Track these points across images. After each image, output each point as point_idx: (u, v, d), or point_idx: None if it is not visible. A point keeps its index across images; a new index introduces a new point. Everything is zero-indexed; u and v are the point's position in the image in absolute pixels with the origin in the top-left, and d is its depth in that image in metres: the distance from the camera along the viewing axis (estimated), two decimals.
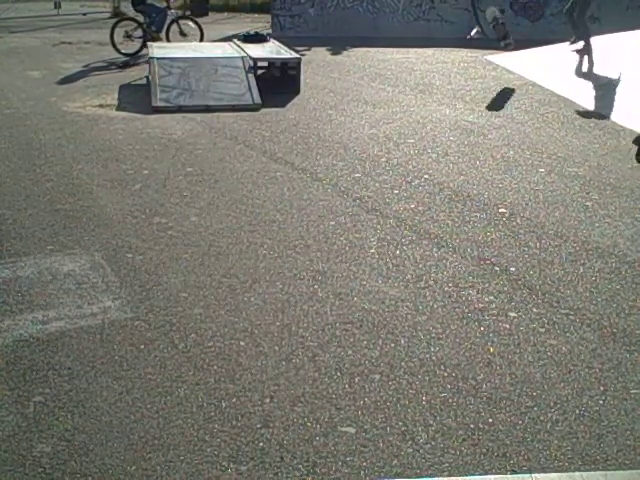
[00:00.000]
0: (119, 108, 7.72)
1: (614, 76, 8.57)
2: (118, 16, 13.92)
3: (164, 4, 11.37)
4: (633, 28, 10.54)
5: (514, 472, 2.41)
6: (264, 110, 7.59)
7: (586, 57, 9.33)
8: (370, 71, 10.02)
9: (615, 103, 7.69)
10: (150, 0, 11.05)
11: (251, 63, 8.45)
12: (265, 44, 9.50)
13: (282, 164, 5.72)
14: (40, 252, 4.05)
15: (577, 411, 2.72)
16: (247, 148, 6.18)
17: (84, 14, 18.40)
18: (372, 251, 4.11)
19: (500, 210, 4.74)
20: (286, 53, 8.92)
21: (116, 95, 8.36)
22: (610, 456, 2.48)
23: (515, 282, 3.75)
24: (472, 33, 9.86)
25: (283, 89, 8.52)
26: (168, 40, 11.12)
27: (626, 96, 8.02)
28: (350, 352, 3.10)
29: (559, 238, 4.30)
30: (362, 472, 2.41)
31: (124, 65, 10.40)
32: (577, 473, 2.40)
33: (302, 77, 8.67)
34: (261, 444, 2.53)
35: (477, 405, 2.75)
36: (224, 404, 2.74)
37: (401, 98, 8.26)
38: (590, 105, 7.64)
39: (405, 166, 5.67)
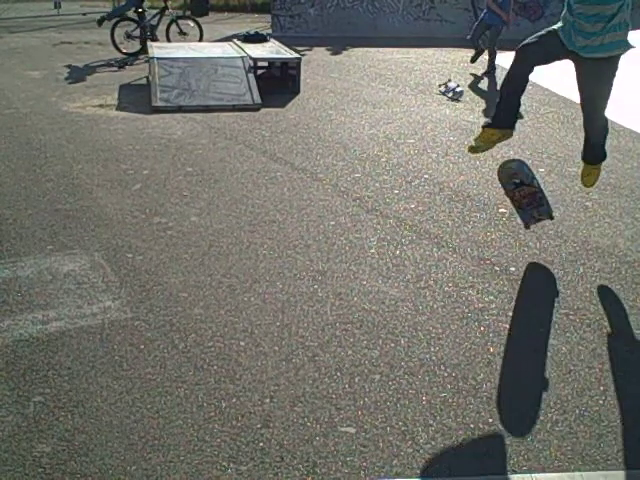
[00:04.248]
0: (119, 108, 7.72)
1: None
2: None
3: (162, 4, 11.39)
4: (633, 28, 10.55)
5: (514, 472, 2.41)
6: (264, 110, 7.59)
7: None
8: (370, 71, 10.02)
9: (615, 103, 7.68)
10: None
11: (251, 63, 8.45)
12: (265, 44, 9.50)
13: (282, 164, 5.72)
14: (40, 252, 4.05)
15: (577, 411, 2.72)
16: (247, 148, 6.18)
17: (84, 14, 18.40)
18: (372, 251, 4.11)
19: (500, 210, 4.74)
20: (286, 53, 8.92)
21: (116, 95, 8.36)
22: (610, 456, 2.48)
23: (515, 282, 3.75)
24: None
25: (283, 89, 8.53)
26: (168, 40, 11.14)
27: (626, 96, 8.02)
28: (350, 352, 3.10)
29: (559, 238, 4.30)
30: (362, 472, 2.41)
31: (124, 65, 10.41)
32: (577, 473, 2.40)
33: (302, 77, 8.67)
34: (261, 444, 2.53)
35: (477, 405, 2.75)
36: (224, 404, 2.74)
37: (401, 98, 8.26)
38: None
39: (405, 166, 5.67)
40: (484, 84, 9.00)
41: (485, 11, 9.41)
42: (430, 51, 11.69)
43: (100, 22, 11.52)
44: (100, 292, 3.60)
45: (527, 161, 5.79)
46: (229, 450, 2.50)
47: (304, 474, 2.40)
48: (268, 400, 2.77)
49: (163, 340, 3.18)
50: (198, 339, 3.19)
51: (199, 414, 2.69)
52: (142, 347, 3.12)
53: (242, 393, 2.81)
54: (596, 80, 3.73)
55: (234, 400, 2.77)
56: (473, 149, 4.03)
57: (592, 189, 5.12)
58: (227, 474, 2.39)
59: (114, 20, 11.23)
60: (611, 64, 3.65)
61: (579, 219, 4.59)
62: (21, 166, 5.61)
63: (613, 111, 7.06)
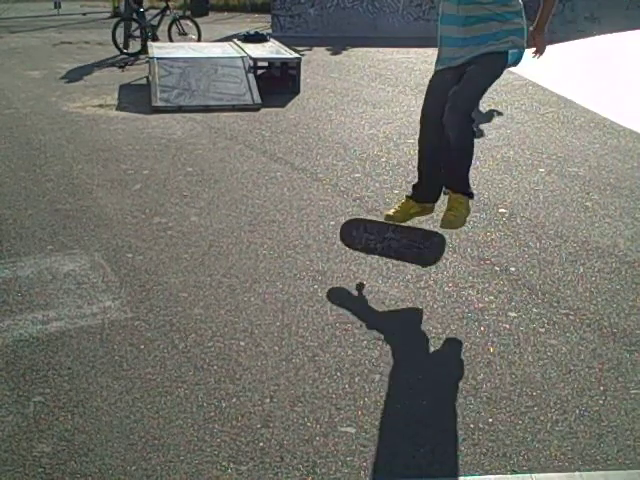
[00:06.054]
0: (119, 108, 7.72)
1: (614, 76, 8.57)
2: (118, 16, 13.94)
3: (163, 4, 11.40)
4: (633, 28, 10.55)
5: (514, 472, 2.41)
6: (264, 110, 7.59)
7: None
8: (370, 71, 10.02)
9: (615, 103, 7.69)
10: None
11: (251, 63, 8.45)
12: (265, 44, 9.51)
13: (282, 164, 5.72)
14: (40, 252, 4.05)
15: (577, 411, 2.72)
16: (247, 148, 6.18)
17: (84, 14, 18.43)
18: None
19: (500, 210, 4.74)
20: (286, 53, 8.93)
21: (116, 95, 8.36)
22: (610, 456, 2.48)
23: (515, 282, 3.75)
24: None
25: (283, 89, 8.53)
26: (170, 40, 11.16)
27: (626, 96, 8.03)
28: (350, 352, 3.10)
29: (559, 238, 4.30)
30: (362, 472, 2.41)
31: (124, 65, 10.41)
32: (577, 473, 2.40)
33: (302, 77, 8.67)
34: (261, 444, 2.53)
35: (477, 405, 2.75)
36: (224, 404, 2.74)
37: (401, 98, 8.26)
38: (590, 105, 7.64)
39: (405, 166, 5.67)
40: None
41: None
42: (430, 51, 11.65)
43: (126, 46, 11.13)
44: (100, 292, 3.60)
45: (527, 161, 5.82)
46: (229, 450, 2.50)
47: (304, 474, 2.39)
48: (268, 400, 2.77)
49: (163, 340, 3.18)
50: (198, 339, 3.19)
51: (199, 414, 2.69)
52: (142, 347, 3.12)
53: (242, 393, 2.81)
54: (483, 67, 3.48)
55: (234, 400, 2.77)
56: (389, 217, 3.75)
57: (592, 189, 5.12)
58: (227, 474, 2.39)
59: (116, 20, 11.24)
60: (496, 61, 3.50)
61: (579, 219, 4.59)
62: (21, 166, 5.61)
63: (613, 111, 7.03)
